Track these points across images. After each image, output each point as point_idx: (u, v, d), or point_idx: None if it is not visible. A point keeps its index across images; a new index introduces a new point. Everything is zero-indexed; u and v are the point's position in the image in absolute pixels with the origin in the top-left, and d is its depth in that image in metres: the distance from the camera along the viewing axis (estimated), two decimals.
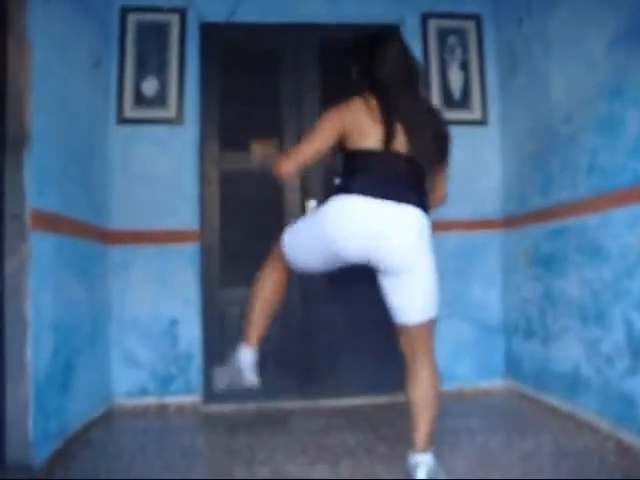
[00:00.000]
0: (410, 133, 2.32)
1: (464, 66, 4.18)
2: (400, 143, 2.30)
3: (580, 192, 3.16)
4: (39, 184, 2.71)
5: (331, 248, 2.32)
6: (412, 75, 2.50)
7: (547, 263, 3.50)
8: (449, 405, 3.76)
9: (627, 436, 2.75)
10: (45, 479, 2.57)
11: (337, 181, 2.38)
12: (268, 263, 2.56)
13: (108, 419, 3.59)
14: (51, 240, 2.85)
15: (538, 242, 3.60)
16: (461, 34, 4.18)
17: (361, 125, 2.32)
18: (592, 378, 3.06)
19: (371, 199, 2.24)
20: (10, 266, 2.56)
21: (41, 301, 2.71)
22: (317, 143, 2.37)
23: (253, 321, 2.57)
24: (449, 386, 3.96)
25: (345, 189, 2.30)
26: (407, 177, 2.32)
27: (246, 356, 2.57)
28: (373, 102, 2.34)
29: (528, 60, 3.72)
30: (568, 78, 3.29)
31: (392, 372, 4.04)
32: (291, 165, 2.37)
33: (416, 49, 4.10)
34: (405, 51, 2.51)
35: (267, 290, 2.54)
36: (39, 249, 2.69)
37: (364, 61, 2.51)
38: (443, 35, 4.16)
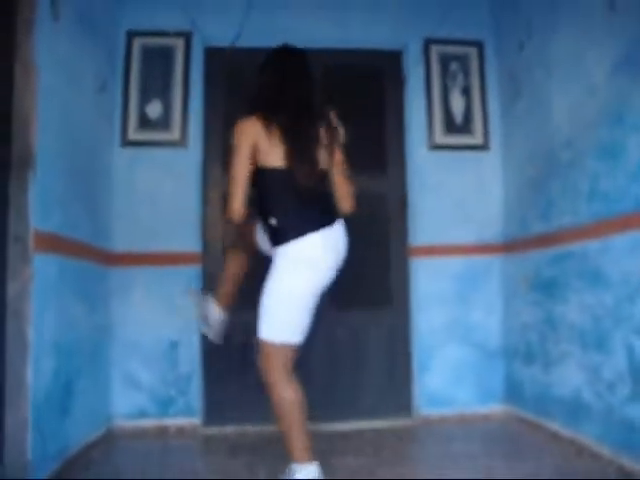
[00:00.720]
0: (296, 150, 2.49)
1: (466, 91, 4.21)
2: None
3: (581, 217, 3.18)
4: (43, 205, 2.73)
5: (317, 282, 2.50)
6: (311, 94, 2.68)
7: (548, 288, 3.50)
8: (449, 429, 3.76)
9: (629, 462, 2.74)
10: None
11: (274, 222, 2.52)
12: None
13: (108, 441, 3.58)
14: (54, 262, 2.86)
15: (539, 267, 3.60)
16: (463, 60, 4.22)
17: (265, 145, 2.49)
18: (593, 403, 3.05)
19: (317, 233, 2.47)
20: (13, 289, 2.56)
21: (43, 323, 2.71)
22: (236, 167, 2.48)
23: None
24: (449, 410, 3.97)
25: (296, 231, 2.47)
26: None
27: (215, 312, 3.00)
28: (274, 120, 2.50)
29: (530, 85, 3.75)
30: (569, 102, 3.31)
31: (392, 396, 4.05)
32: (235, 203, 2.44)
33: (418, 74, 4.16)
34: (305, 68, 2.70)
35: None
36: (42, 271, 2.69)
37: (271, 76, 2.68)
38: (445, 61, 4.21)
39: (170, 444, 3.60)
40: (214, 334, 3.05)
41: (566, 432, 3.29)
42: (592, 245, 3.07)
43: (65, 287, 3.02)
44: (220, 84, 4.13)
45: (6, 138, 2.60)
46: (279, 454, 3.25)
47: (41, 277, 2.68)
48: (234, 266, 2.97)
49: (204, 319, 3.05)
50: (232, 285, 2.99)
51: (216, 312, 3.01)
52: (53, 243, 2.85)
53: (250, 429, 3.80)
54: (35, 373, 2.62)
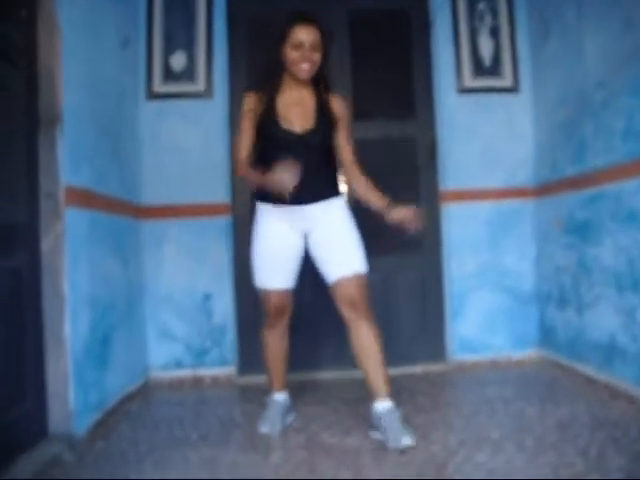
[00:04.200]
0: None
1: (494, 33, 4.10)
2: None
3: (616, 157, 3.10)
4: (72, 161, 2.75)
5: None
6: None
7: (581, 231, 3.45)
8: (483, 375, 3.77)
9: None
10: (87, 448, 2.63)
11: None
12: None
13: (145, 392, 3.66)
14: (85, 217, 2.89)
15: (572, 210, 3.55)
16: (491, 0, 4.10)
17: None
18: (628, 347, 3.02)
19: None
20: (46, 244, 2.61)
21: (77, 277, 2.76)
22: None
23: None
24: (482, 356, 3.97)
25: None
26: None
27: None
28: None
29: (560, 23, 3.64)
30: (602, 40, 3.20)
31: (425, 342, 4.06)
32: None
33: (445, 16, 4.06)
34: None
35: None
36: (73, 226, 2.72)
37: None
38: (472, 1, 4.08)
39: (206, 394, 3.67)
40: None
41: (601, 376, 3.28)
42: (627, 185, 3.00)
43: (97, 241, 3.05)
44: (244, 33, 4.07)
45: (33, 96, 2.61)
46: (311, 400, 3.32)
47: (73, 232, 2.71)
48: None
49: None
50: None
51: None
52: (83, 198, 2.87)
53: None
54: (72, 326, 2.68)
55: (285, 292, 2.81)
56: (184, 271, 3.88)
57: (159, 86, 3.92)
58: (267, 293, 2.79)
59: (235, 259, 3.97)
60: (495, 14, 4.10)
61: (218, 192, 3.93)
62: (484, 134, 4.03)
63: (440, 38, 4.07)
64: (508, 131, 4.05)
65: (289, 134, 2.63)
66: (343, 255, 2.67)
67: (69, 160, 2.71)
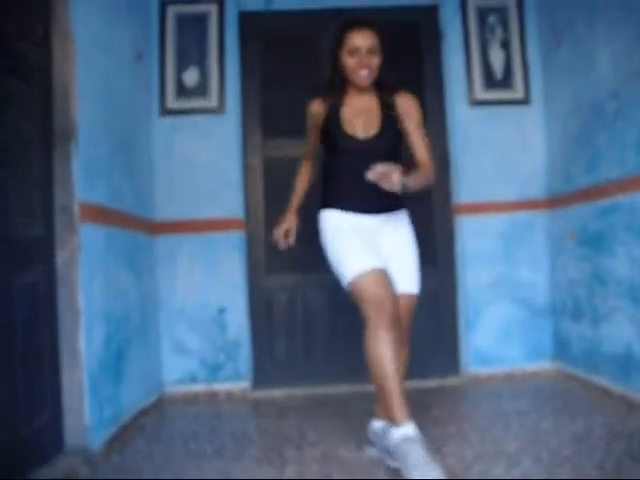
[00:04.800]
0: None
1: (505, 45, 4.11)
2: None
3: (629, 168, 3.09)
4: (86, 176, 2.76)
5: None
6: None
7: (595, 242, 3.44)
8: (497, 387, 3.75)
9: None
10: (102, 462, 2.64)
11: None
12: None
13: (160, 406, 3.67)
14: (100, 232, 2.91)
15: (585, 221, 3.53)
16: (501, 12, 4.11)
17: None
18: None
19: None
20: (61, 257, 2.62)
21: (92, 291, 2.77)
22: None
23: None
24: (497, 368, 3.95)
25: None
26: None
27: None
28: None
29: (571, 34, 3.64)
30: (615, 50, 3.20)
31: (439, 355, 4.04)
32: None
33: (456, 29, 4.07)
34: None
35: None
36: (88, 241, 2.74)
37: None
38: (483, 14, 4.10)
39: (220, 408, 3.67)
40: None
41: (617, 388, 3.25)
42: None
43: (112, 257, 3.07)
44: (256, 48, 4.11)
45: (48, 111, 2.63)
46: (327, 415, 3.31)
47: (88, 247, 2.73)
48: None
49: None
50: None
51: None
52: (99, 214, 2.89)
53: (298, 392, 3.85)
54: (87, 340, 2.68)
55: (384, 275, 2.42)
56: (198, 286, 3.89)
57: (172, 102, 3.95)
58: (362, 280, 2.37)
59: (249, 273, 3.98)
60: (506, 26, 4.11)
61: (231, 207, 3.95)
62: (496, 146, 4.03)
63: (451, 51, 4.09)
64: (520, 143, 4.05)
65: (353, 141, 2.55)
66: (407, 272, 2.56)
67: (84, 175, 2.73)
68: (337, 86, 2.64)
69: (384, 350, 2.29)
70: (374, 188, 2.33)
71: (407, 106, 2.64)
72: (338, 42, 2.55)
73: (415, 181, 2.43)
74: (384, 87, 2.65)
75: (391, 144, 2.61)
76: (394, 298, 2.40)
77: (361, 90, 2.61)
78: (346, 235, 2.49)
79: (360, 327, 3.63)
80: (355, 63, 2.51)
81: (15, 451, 2.25)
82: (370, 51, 2.51)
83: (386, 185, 2.26)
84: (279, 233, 2.81)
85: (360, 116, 2.59)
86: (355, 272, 2.38)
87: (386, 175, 2.25)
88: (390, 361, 2.28)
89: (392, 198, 2.52)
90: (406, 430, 2.20)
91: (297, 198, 2.93)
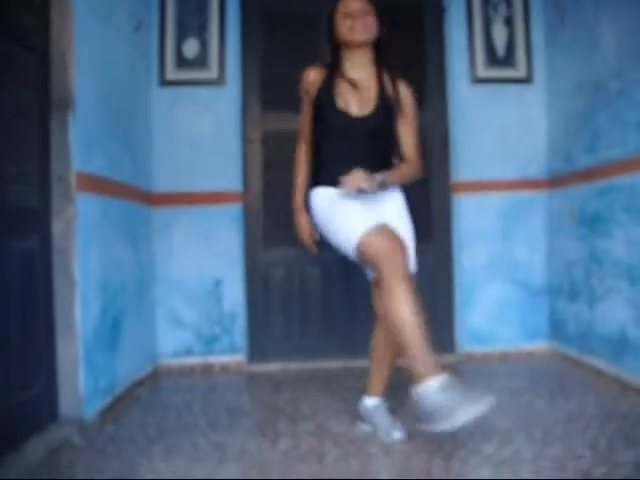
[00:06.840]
0: None
1: (508, 22, 4.06)
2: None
3: (630, 149, 3.08)
4: (84, 146, 2.75)
5: None
6: None
7: (593, 223, 3.43)
8: (492, 366, 3.76)
9: None
10: (96, 432, 2.64)
11: None
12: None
13: (155, 378, 3.68)
14: (97, 202, 2.89)
15: (584, 202, 3.52)
16: None
17: None
18: (639, 340, 3.01)
19: None
20: (57, 226, 2.62)
21: (88, 261, 2.76)
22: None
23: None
24: (492, 348, 3.96)
25: None
26: None
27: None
28: None
29: (575, 13, 3.60)
30: (619, 30, 3.17)
31: (434, 332, 4.04)
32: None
33: (459, 5, 4.03)
34: None
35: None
36: (85, 210, 2.73)
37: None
38: None
39: (215, 381, 3.68)
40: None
41: (611, 369, 3.26)
42: None
43: (108, 227, 3.06)
44: (257, 20, 4.05)
45: (46, 79, 2.61)
46: (321, 389, 3.32)
47: (85, 216, 2.72)
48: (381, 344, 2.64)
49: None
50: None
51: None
52: (95, 184, 2.87)
53: (293, 366, 3.86)
54: (83, 310, 2.69)
55: (390, 229, 2.35)
56: (194, 257, 3.88)
57: (172, 73, 3.91)
58: (370, 238, 2.28)
59: (246, 246, 3.97)
60: (509, 3, 4.07)
61: (230, 180, 3.93)
62: (497, 125, 4.01)
63: (453, 28, 4.05)
64: (521, 122, 4.03)
65: (345, 117, 2.50)
66: None
67: (81, 145, 2.71)
68: (334, 55, 2.61)
69: (404, 306, 2.23)
70: (367, 166, 2.36)
71: (406, 98, 2.63)
72: (334, 9, 2.57)
73: (394, 179, 2.50)
74: (386, 64, 2.64)
75: (386, 124, 2.57)
76: (405, 250, 2.32)
77: (359, 62, 2.59)
78: (341, 204, 2.43)
79: (358, 304, 3.63)
80: (350, 22, 2.50)
81: (7, 419, 2.26)
82: (364, 12, 2.52)
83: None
84: (306, 242, 2.70)
85: (355, 92, 2.54)
86: (360, 232, 2.30)
87: (356, 186, 2.32)
88: (412, 315, 2.24)
89: None
90: (441, 379, 2.14)
91: (301, 196, 2.73)
